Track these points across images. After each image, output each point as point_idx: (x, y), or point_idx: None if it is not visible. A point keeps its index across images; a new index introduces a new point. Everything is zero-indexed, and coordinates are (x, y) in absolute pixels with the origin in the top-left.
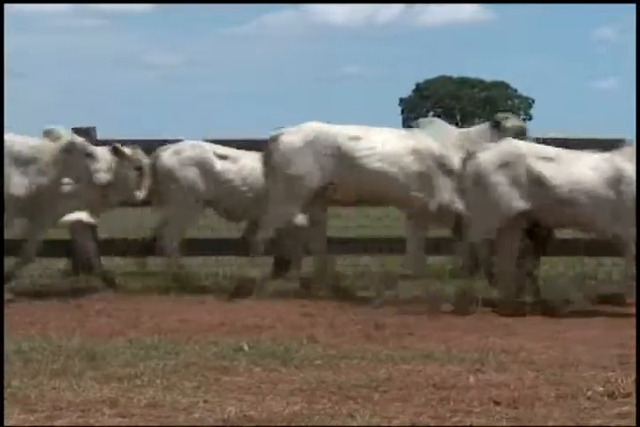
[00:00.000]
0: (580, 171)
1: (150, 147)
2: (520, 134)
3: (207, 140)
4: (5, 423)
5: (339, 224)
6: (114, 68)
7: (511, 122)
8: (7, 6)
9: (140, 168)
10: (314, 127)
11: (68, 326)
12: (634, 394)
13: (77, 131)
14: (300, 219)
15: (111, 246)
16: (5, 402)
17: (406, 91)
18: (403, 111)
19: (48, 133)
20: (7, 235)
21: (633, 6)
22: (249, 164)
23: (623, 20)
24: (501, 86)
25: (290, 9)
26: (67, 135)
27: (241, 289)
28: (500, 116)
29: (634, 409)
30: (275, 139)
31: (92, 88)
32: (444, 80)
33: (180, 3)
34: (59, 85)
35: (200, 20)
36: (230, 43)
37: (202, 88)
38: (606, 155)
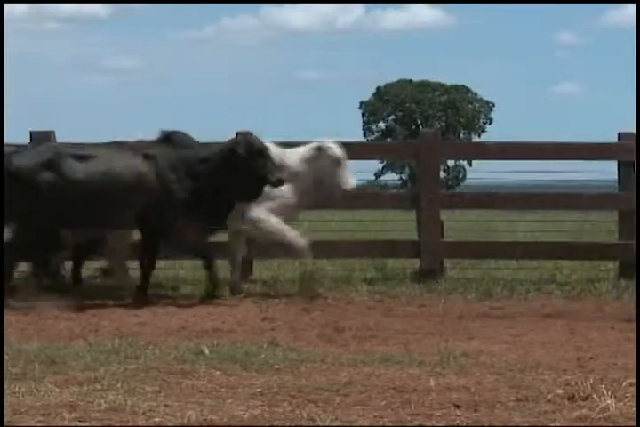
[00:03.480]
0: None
1: None
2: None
3: None
4: None
5: None
6: (71, 72)
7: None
8: None
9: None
10: None
11: (27, 329)
12: (593, 397)
13: (36, 134)
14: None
15: None
16: None
17: (367, 94)
18: (363, 115)
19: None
20: None
21: (592, 10)
22: None
23: (583, 24)
24: (462, 90)
25: (249, 13)
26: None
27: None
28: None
29: (593, 412)
30: None
31: (49, 92)
32: (404, 84)
33: (139, 3)
34: (16, 89)
35: (158, 25)
36: (188, 47)
37: (159, 92)
38: None
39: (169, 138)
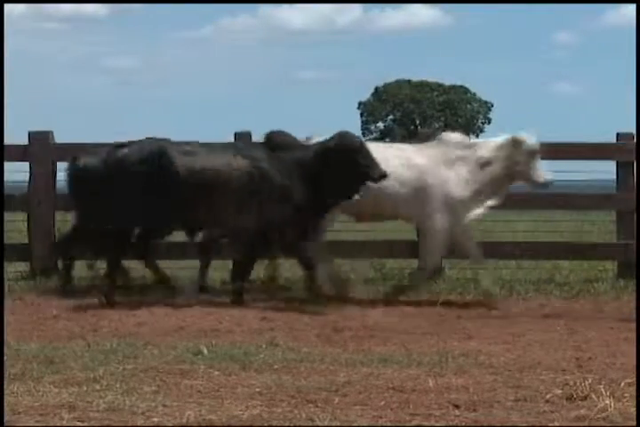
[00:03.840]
0: None
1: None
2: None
3: None
4: None
5: None
6: (70, 72)
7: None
8: None
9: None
10: None
11: (25, 329)
12: (592, 397)
13: (34, 135)
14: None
15: None
16: None
17: (365, 95)
18: (362, 115)
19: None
20: None
21: (591, 10)
22: None
23: (581, 24)
24: (460, 90)
25: (247, 13)
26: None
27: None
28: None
29: (591, 412)
30: None
31: (48, 92)
32: (402, 84)
33: (138, 3)
34: (15, 89)
35: (156, 24)
36: (187, 47)
37: (158, 92)
38: None
39: (271, 138)
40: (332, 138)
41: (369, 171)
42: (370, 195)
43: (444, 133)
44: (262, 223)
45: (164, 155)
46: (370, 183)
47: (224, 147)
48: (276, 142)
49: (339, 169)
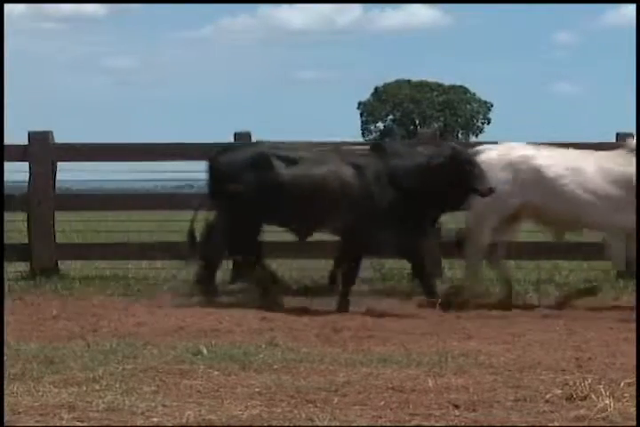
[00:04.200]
0: None
1: None
2: None
3: None
4: None
5: None
6: (70, 71)
7: None
8: None
9: None
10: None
11: (25, 330)
12: (592, 397)
13: (34, 134)
14: None
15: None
16: None
17: (365, 95)
18: (361, 115)
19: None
20: None
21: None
22: None
23: (581, 24)
24: (460, 90)
25: (247, 13)
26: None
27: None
28: None
29: (591, 412)
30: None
31: (47, 92)
32: (402, 84)
33: (138, 3)
34: (14, 89)
35: (156, 24)
36: (186, 47)
37: (157, 92)
38: None
39: (378, 145)
40: (443, 148)
41: (479, 184)
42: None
43: (628, 140)
44: (366, 230)
45: (261, 160)
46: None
47: (330, 153)
48: (386, 150)
49: (448, 180)
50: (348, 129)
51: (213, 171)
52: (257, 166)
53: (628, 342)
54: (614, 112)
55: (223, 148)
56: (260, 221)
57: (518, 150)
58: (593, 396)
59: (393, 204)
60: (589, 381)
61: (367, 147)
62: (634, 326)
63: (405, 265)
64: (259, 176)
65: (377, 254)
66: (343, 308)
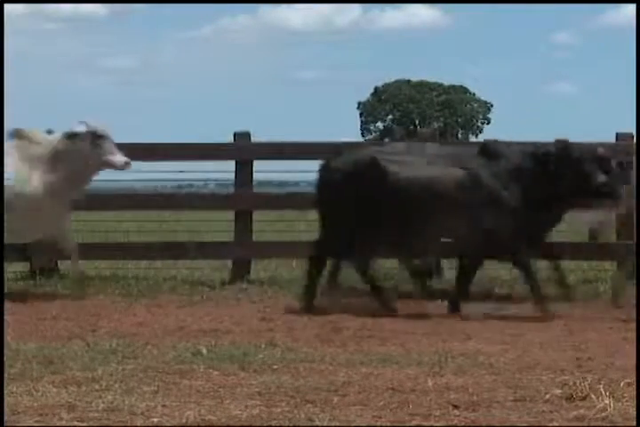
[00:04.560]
0: None
1: None
2: None
3: None
4: None
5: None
6: (70, 71)
7: None
8: None
9: None
10: None
11: (25, 330)
12: (591, 397)
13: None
14: None
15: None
16: None
17: (364, 94)
18: (361, 115)
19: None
20: None
21: (589, 11)
22: None
23: (580, 24)
24: (460, 90)
25: (246, 13)
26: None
27: None
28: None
29: (591, 412)
30: None
31: (48, 92)
32: (402, 84)
33: (138, 2)
34: (15, 89)
35: (156, 24)
36: (186, 47)
37: (157, 92)
38: None
39: (486, 147)
40: (549, 149)
41: (600, 185)
42: None
43: None
44: (481, 232)
45: (371, 165)
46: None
47: (439, 157)
48: (492, 151)
49: (565, 180)
50: (347, 129)
51: (325, 176)
52: (368, 171)
53: (628, 343)
54: (614, 112)
55: (334, 153)
56: (371, 225)
57: None
58: (592, 396)
59: (506, 206)
60: (589, 381)
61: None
62: (634, 326)
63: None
64: (370, 181)
65: (493, 257)
66: (456, 308)
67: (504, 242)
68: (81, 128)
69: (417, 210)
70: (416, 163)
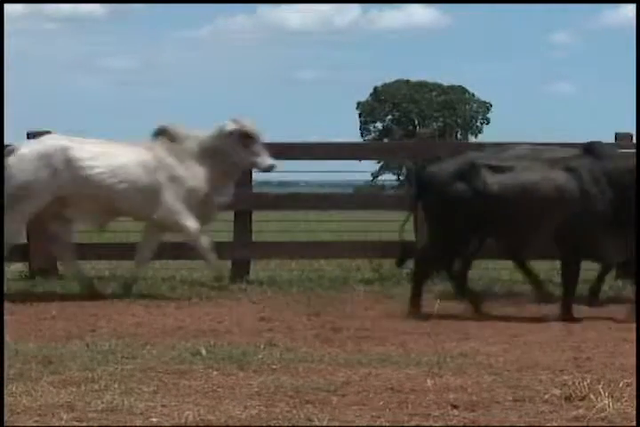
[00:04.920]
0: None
1: None
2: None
3: None
4: None
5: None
6: (70, 71)
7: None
8: None
9: None
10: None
11: (24, 330)
12: (590, 397)
13: (33, 134)
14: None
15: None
16: None
17: (364, 95)
18: (360, 115)
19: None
20: None
21: (588, 11)
22: None
23: (579, 24)
24: (459, 90)
25: (246, 13)
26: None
27: None
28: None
29: (590, 412)
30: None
31: (47, 91)
32: (401, 84)
33: (137, 3)
34: (14, 89)
35: (155, 24)
36: (186, 47)
37: (157, 92)
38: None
39: (590, 149)
40: None
41: None
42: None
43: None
44: (584, 238)
45: (470, 171)
46: None
47: (540, 159)
48: (598, 153)
49: None
50: (346, 129)
51: (422, 181)
52: (467, 177)
53: (627, 343)
54: (613, 112)
55: (427, 159)
56: (472, 233)
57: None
58: (592, 396)
59: (611, 209)
60: (588, 381)
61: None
62: (633, 326)
63: (405, 265)
64: (470, 186)
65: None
66: (569, 313)
67: (604, 244)
68: (232, 126)
69: (522, 213)
70: (517, 166)
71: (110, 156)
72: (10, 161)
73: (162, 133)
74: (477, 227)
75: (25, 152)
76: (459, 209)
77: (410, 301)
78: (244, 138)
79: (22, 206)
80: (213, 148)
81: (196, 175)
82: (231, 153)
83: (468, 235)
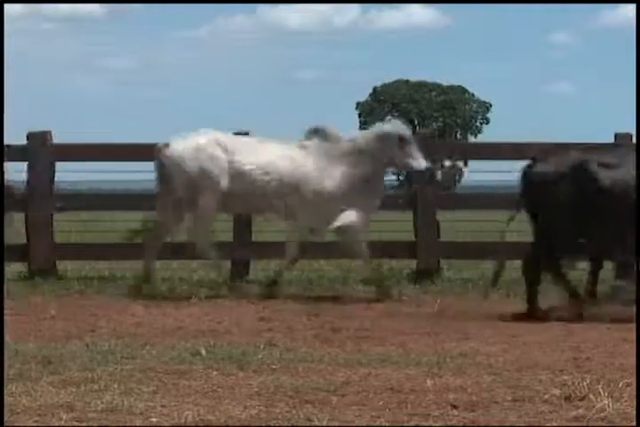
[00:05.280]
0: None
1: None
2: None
3: None
4: None
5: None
6: (70, 71)
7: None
8: None
9: None
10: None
11: (24, 330)
12: (590, 397)
13: (33, 134)
14: None
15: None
16: None
17: (363, 95)
18: (360, 115)
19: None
20: None
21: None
22: None
23: (578, 24)
24: (459, 90)
25: (245, 13)
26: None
27: None
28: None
29: (590, 412)
30: None
31: (47, 91)
32: (401, 84)
33: (137, 3)
34: (12, 89)
35: (154, 25)
36: (185, 47)
37: (156, 92)
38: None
39: None
40: None
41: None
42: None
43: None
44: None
45: (581, 168)
46: None
47: None
48: None
49: None
50: (346, 129)
51: (529, 180)
52: (578, 175)
53: (627, 343)
54: (612, 112)
55: (533, 157)
56: (579, 233)
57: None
58: (591, 396)
59: None
60: (588, 381)
61: None
62: (633, 326)
63: (405, 265)
64: (580, 185)
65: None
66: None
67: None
68: (390, 129)
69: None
70: (623, 165)
71: (262, 152)
72: (167, 157)
73: (316, 133)
74: (584, 226)
75: (187, 145)
76: (569, 208)
77: (527, 306)
78: (401, 140)
79: (206, 198)
80: (369, 149)
81: (345, 175)
82: (388, 154)
83: (576, 235)
